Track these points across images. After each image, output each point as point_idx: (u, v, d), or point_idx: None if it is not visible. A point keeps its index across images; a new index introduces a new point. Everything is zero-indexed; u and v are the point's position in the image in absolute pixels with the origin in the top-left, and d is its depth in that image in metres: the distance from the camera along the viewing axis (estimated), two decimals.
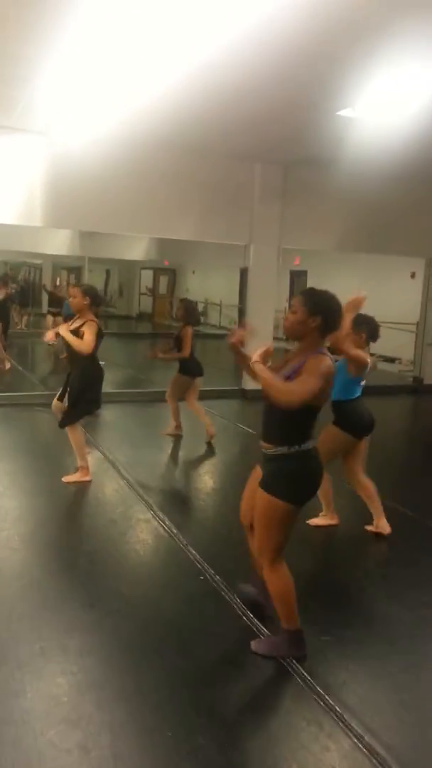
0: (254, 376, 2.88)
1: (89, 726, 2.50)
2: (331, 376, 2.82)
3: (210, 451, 6.77)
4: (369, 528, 4.59)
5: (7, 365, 10.92)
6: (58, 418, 5.37)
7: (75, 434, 5.36)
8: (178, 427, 7.15)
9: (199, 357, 6.98)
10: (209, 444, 6.90)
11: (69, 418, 5.29)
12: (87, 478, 5.41)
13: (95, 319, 5.22)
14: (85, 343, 5.06)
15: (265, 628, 3.23)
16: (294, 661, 2.96)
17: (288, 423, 2.84)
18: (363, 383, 4.46)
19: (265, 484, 2.89)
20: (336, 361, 3.15)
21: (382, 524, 4.56)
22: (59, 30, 4.74)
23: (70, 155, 7.74)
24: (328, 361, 2.79)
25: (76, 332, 5.12)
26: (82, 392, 5.24)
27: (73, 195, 8.11)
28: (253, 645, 3.05)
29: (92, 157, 7.83)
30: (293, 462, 2.85)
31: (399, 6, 4.16)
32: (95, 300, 5.31)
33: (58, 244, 15.56)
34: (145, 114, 6.69)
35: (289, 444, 2.84)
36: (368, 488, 4.55)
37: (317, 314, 2.82)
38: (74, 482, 5.35)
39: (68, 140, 7.59)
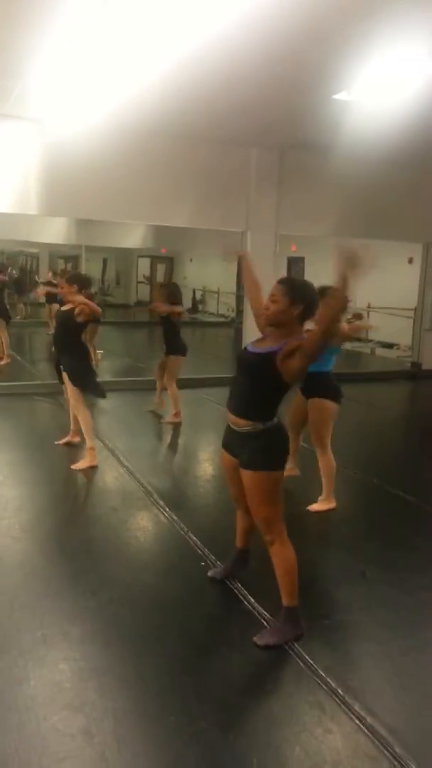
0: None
1: (92, 712, 2.51)
2: None
3: (209, 439, 6.77)
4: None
5: (2, 361, 10.63)
6: (83, 396, 5.44)
7: (86, 415, 5.44)
8: (177, 414, 7.15)
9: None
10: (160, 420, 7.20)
11: (96, 392, 5.53)
12: (95, 463, 5.43)
13: None
14: (82, 305, 5.20)
15: (265, 611, 3.24)
16: (295, 644, 2.98)
17: (265, 400, 2.99)
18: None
19: (253, 463, 2.97)
20: None
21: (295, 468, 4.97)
22: (51, 19, 4.70)
23: (65, 143, 7.69)
24: None
25: (71, 314, 5.28)
26: (83, 373, 5.40)
27: (68, 183, 8.06)
28: (259, 640, 3.00)
29: (87, 144, 7.80)
30: (270, 435, 2.99)
31: None
32: (82, 284, 5.42)
33: (55, 232, 15.48)
34: (139, 101, 6.64)
35: (264, 420, 2.98)
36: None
37: (299, 303, 2.91)
38: (84, 468, 5.36)
39: (63, 128, 7.54)
